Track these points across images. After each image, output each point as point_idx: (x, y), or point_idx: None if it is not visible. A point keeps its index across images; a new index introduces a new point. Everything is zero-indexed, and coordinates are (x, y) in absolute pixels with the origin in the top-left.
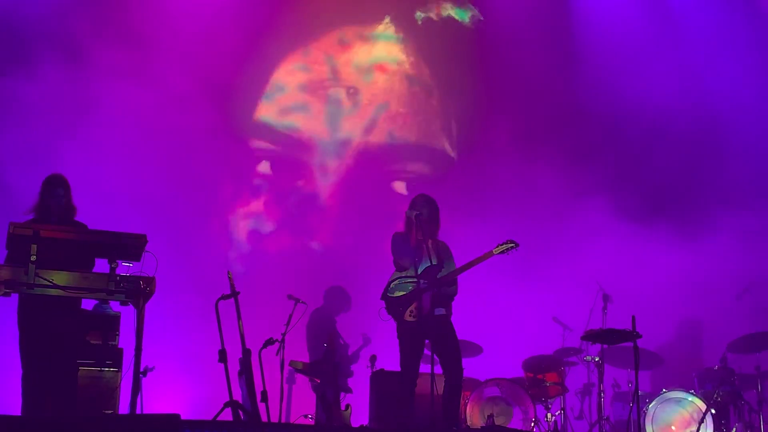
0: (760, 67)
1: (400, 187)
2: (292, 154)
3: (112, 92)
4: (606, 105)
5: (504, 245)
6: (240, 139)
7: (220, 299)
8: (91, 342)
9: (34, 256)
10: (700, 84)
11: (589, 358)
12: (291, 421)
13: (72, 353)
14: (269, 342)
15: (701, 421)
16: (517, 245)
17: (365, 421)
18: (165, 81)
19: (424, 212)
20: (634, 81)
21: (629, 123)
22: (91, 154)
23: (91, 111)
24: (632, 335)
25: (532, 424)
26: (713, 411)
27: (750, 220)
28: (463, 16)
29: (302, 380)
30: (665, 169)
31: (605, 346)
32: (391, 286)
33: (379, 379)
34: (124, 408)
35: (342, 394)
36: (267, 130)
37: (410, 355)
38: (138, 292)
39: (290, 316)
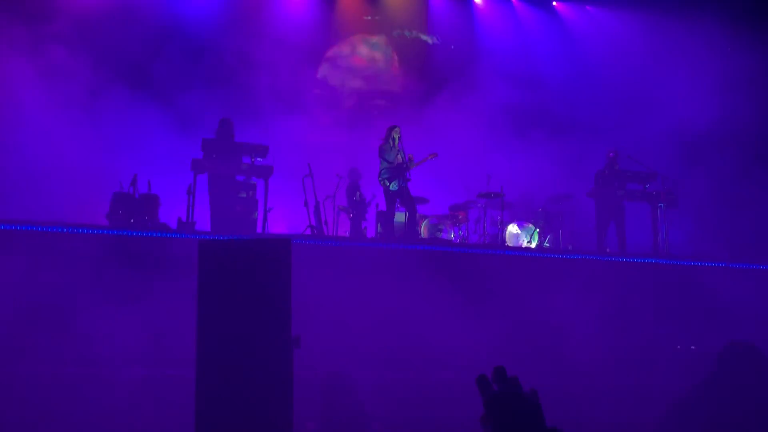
0: None
1: (378, 110)
2: (334, 83)
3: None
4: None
5: (432, 155)
6: (309, 82)
7: (304, 177)
8: (239, 196)
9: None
10: None
11: (480, 204)
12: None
13: (233, 201)
14: (328, 197)
15: (534, 231)
16: (437, 155)
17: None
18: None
19: (399, 134)
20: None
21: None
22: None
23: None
24: (500, 195)
25: (452, 235)
26: (538, 229)
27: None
28: (424, 37)
29: (344, 215)
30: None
31: (486, 200)
32: (383, 171)
33: (380, 214)
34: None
35: (363, 223)
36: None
37: (391, 204)
38: (266, 172)
39: (338, 184)
